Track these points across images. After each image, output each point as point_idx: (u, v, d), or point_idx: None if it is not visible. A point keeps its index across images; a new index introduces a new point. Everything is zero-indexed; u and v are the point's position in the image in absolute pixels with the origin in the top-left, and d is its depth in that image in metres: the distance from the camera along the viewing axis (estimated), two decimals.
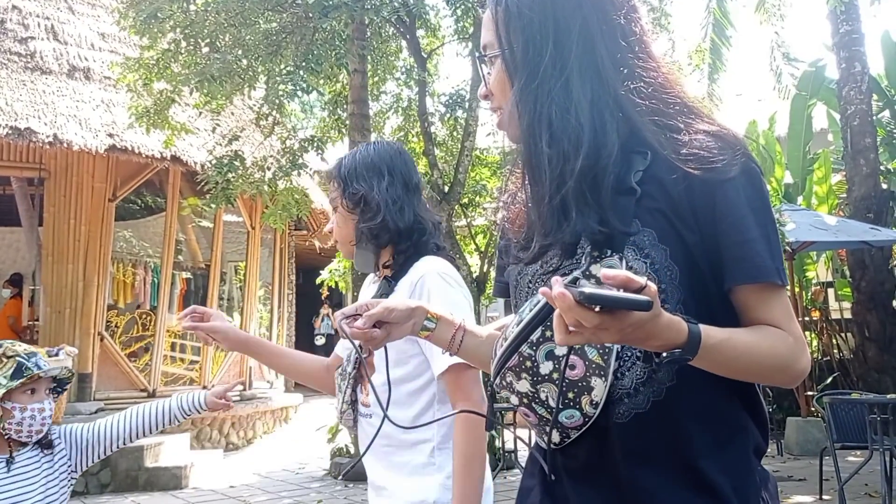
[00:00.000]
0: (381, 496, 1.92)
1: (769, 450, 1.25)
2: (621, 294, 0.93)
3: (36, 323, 9.31)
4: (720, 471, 1.14)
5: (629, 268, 1.13)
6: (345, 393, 1.94)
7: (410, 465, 1.86)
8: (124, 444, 2.35)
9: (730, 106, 12.81)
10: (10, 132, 7.97)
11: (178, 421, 2.47)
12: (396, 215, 1.90)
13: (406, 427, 1.76)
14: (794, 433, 8.59)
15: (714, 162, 1.14)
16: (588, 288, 0.92)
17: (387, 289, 1.91)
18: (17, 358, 2.17)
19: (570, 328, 0.94)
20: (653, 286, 0.95)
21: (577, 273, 1.13)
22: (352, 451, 7.93)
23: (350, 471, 7.44)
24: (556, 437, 1.19)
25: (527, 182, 1.22)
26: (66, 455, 2.27)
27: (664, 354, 1.03)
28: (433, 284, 1.83)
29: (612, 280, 0.94)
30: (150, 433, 2.42)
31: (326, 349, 10.71)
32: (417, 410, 1.86)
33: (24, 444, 2.19)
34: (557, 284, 0.94)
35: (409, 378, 1.84)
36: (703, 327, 1.04)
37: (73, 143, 8.15)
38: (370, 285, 2.08)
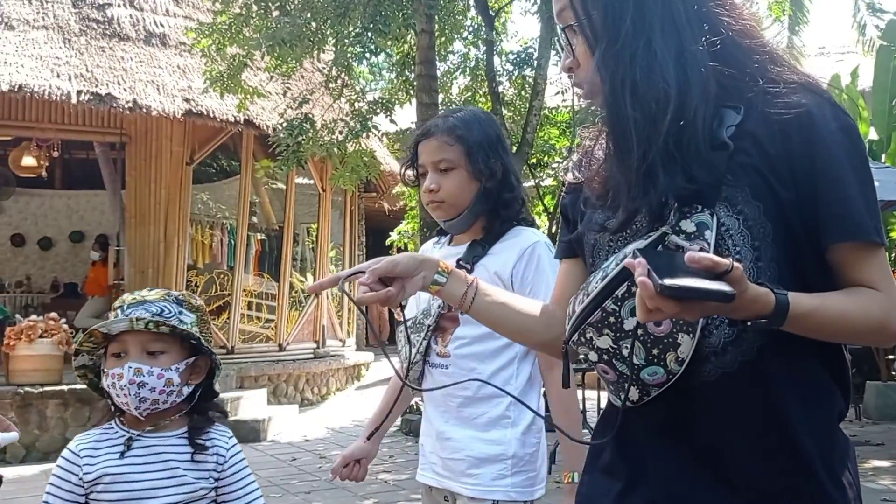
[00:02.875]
0: (445, 447, 1.98)
1: (847, 414, 1.24)
2: (703, 285, 0.94)
3: (121, 283, 9.66)
4: (807, 434, 1.13)
5: (720, 224, 1.11)
6: (420, 344, 1.97)
7: (486, 418, 1.92)
8: None
9: (812, 61, 12.28)
10: (91, 98, 8.24)
11: None
12: (523, 188, 2.03)
13: (501, 388, 1.72)
14: (873, 397, 8.37)
15: (813, 118, 1.12)
16: (669, 279, 0.93)
17: (480, 252, 1.98)
18: (116, 311, 1.74)
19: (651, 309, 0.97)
20: (738, 269, 0.95)
21: (665, 228, 1.12)
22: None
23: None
24: (634, 394, 1.16)
25: (612, 148, 1.20)
26: (211, 477, 1.72)
27: (749, 323, 1.04)
28: (543, 252, 1.93)
29: (697, 264, 0.95)
30: None
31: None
32: (499, 365, 1.93)
33: (162, 426, 1.71)
34: (641, 267, 0.95)
35: (496, 335, 1.84)
36: (791, 297, 1.03)
37: (152, 108, 8.39)
38: (432, 249, 2.12)
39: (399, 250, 12.21)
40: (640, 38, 1.15)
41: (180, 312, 1.71)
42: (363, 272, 1.26)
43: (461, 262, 1.95)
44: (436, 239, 2.15)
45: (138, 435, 1.69)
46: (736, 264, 0.96)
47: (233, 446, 1.76)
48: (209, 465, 1.69)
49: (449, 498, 2.00)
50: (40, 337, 7.32)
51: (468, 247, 2.00)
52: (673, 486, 1.16)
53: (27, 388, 7.20)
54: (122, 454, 1.66)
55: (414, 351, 1.96)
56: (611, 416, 1.26)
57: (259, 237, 11.62)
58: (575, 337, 1.19)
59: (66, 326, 7.65)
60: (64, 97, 8.16)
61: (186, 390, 1.71)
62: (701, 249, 1.07)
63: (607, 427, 1.27)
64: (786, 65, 1.20)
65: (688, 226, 1.12)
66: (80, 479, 1.65)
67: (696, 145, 1.12)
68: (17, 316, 8.19)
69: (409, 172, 2.07)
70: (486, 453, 1.90)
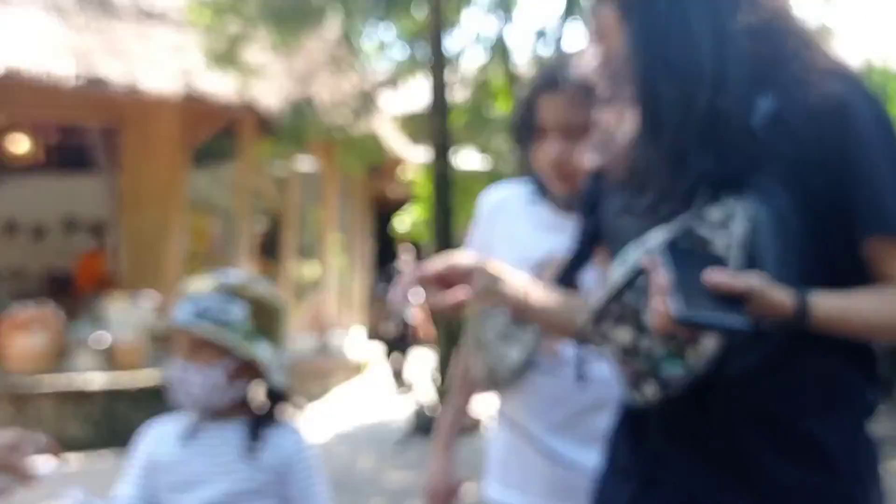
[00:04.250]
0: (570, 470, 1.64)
1: (877, 410, 1.19)
2: (719, 320, 0.97)
3: (116, 270, 9.49)
4: (831, 432, 1.12)
5: (748, 214, 1.09)
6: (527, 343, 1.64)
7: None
8: None
9: (845, 38, 12.01)
10: (86, 80, 7.97)
11: None
12: None
13: None
14: None
15: (847, 107, 1.10)
16: (686, 310, 0.96)
17: None
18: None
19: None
20: (756, 289, 0.99)
21: (690, 216, 1.11)
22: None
23: (430, 425, 7.39)
24: (652, 391, 1.14)
25: (641, 127, 1.16)
26: (273, 471, 1.70)
27: (767, 325, 1.04)
28: None
29: (715, 287, 0.98)
30: None
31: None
32: None
33: (224, 417, 1.72)
34: (660, 286, 0.99)
35: None
36: (814, 300, 1.04)
37: (149, 90, 8.15)
38: (519, 204, 1.76)
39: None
40: (676, 12, 1.12)
41: (228, 305, 1.67)
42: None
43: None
44: (531, 195, 1.76)
45: (202, 424, 1.71)
46: (753, 285, 0.99)
47: (301, 447, 1.74)
48: (268, 461, 1.69)
49: None
50: (35, 328, 7.20)
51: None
52: (690, 488, 1.16)
53: (21, 379, 7.04)
54: (183, 441, 1.71)
55: (507, 351, 1.67)
56: (627, 414, 1.26)
57: (260, 223, 11.39)
58: (593, 329, 1.17)
59: (60, 316, 7.45)
60: (58, 80, 7.88)
61: (241, 386, 1.70)
62: (728, 239, 1.08)
63: (622, 425, 1.28)
64: (820, 50, 1.17)
65: (714, 214, 1.10)
66: (143, 460, 1.73)
67: (730, 129, 1.11)
68: (13, 304, 7.98)
69: (520, 131, 1.69)
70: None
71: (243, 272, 1.80)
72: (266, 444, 1.68)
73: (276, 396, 1.74)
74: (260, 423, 1.70)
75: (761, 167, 1.11)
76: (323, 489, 1.74)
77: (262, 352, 1.67)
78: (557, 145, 1.60)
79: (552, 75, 1.64)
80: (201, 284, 1.72)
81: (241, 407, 1.72)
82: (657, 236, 1.10)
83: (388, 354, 10.01)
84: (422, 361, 10.82)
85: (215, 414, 1.70)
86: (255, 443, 1.67)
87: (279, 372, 1.70)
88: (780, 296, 1.03)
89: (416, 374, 9.69)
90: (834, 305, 1.06)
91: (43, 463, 1.55)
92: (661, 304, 0.98)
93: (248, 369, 1.68)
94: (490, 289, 1.23)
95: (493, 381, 1.71)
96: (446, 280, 1.21)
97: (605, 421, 1.54)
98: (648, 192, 1.16)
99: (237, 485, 1.66)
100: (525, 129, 1.67)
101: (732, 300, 0.98)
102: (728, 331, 0.99)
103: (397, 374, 9.87)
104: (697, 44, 1.11)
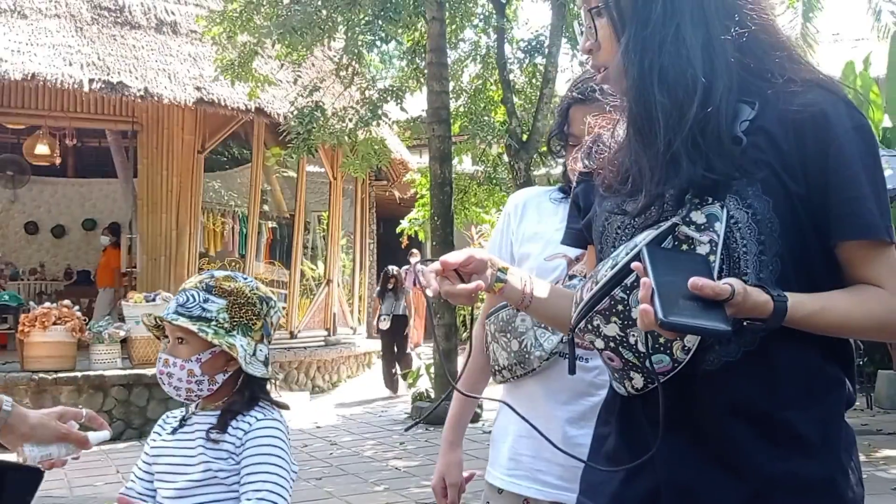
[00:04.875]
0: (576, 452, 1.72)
1: (858, 403, 1.21)
2: (700, 323, 1.00)
3: (134, 270, 9.72)
4: (810, 422, 1.14)
5: (730, 217, 1.12)
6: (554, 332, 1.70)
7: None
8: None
9: (825, 48, 12.17)
10: (103, 86, 8.29)
11: None
12: None
13: None
14: (885, 386, 8.31)
15: (827, 116, 1.13)
16: (670, 315, 0.99)
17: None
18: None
19: None
20: (738, 293, 1.02)
21: (676, 218, 1.14)
22: (432, 395, 8.10)
23: (430, 415, 7.59)
24: (639, 382, 1.18)
25: (635, 134, 1.19)
26: (231, 458, 1.66)
27: (745, 322, 1.07)
28: None
29: (699, 291, 1.01)
30: None
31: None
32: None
33: (208, 407, 1.72)
34: (645, 289, 1.02)
35: None
36: (792, 301, 1.06)
37: (164, 96, 8.42)
38: (548, 204, 1.84)
39: (410, 239, 12.19)
40: (669, 24, 1.15)
41: (206, 300, 1.69)
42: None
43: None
44: (558, 195, 1.83)
45: (192, 414, 1.72)
46: (736, 288, 1.01)
47: (259, 426, 1.67)
48: (228, 446, 1.65)
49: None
50: (54, 324, 7.37)
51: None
52: (677, 474, 1.17)
53: (41, 375, 7.26)
54: (174, 431, 1.72)
55: (535, 338, 1.72)
56: (613, 404, 1.28)
57: (270, 225, 11.65)
58: (582, 324, 1.19)
59: (79, 313, 7.70)
60: (76, 85, 8.19)
61: (221, 378, 1.69)
62: (711, 241, 1.11)
63: (610, 414, 1.29)
64: (803, 63, 1.21)
65: (698, 217, 1.13)
66: (147, 450, 1.74)
67: (718, 136, 1.13)
68: (31, 303, 8.26)
69: (557, 141, 1.78)
70: None
71: (228, 270, 1.89)
72: (230, 432, 1.65)
73: (252, 386, 1.71)
74: (229, 412, 1.68)
75: (745, 173, 1.13)
76: (273, 469, 1.63)
77: (238, 343, 1.67)
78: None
79: (583, 88, 1.70)
80: (189, 281, 1.76)
81: (223, 397, 1.71)
82: (645, 237, 1.13)
83: (383, 350, 10.20)
84: (419, 355, 11.07)
85: (202, 405, 1.72)
86: (219, 431, 1.65)
87: (257, 363, 1.69)
88: (760, 298, 1.05)
89: (414, 367, 9.92)
90: (811, 306, 1.08)
91: (94, 433, 1.65)
92: (648, 308, 1.00)
93: (227, 361, 1.69)
94: (500, 279, 1.29)
95: (522, 366, 1.72)
96: (461, 271, 1.25)
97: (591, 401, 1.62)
98: (644, 195, 1.18)
99: (204, 474, 1.64)
100: (560, 138, 1.77)
101: (714, 302, 1.01)
102: (709, 334, 1.02)
103: (390, 370, 10.03)
104: (690, 55, 1.14)
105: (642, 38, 1.16)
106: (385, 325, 9.87)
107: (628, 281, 1.12)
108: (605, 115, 1.31)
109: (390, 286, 9.94)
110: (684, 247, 1.13)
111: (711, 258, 1.10)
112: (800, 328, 1.09)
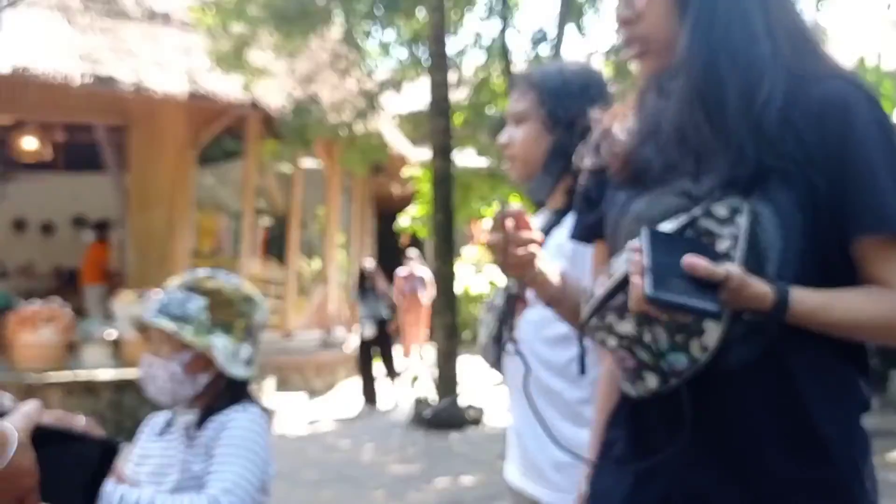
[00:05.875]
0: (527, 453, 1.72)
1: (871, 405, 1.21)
2: (689, 301, 0.97)
3: (120, 269, 9.55)
4: (829, 426, 1.12)
5: (753, 211, 1.09)
6: (491, 327, 1.73)
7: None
8: None
9: (836, 40, 12.02)
10: (93, 80, 8.05)
11: None
12: None
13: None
14: None
15: (849, 108, 1.12)
16: (658, 290, 0.97)
17: (554, 221, 1.72)
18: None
19: None
20: (734, 278, 1.01)
21: (697, 210, 1.11)
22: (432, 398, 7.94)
23: (431, 417, 7.46)
24: (653, 383, 1.14)
25: (694, 112, 1.16)
26: (208, 456, 1.64)
27: (742, 316, 1.07)
28: None
29: (693, 271, 0.99)
30: None
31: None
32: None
33: (193, 408, 1.72)
34: (636, 265, 1.01)
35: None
36: (795, 295, 1.06)
37: (155, 90, 8.21)
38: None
39: (410, 235, 12.02)
40: (735, 6, 1.15)
41: (187, 300, 1.67)
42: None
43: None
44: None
45: (175, 417, 1.73)
46: (732, 272, 1.00)
47: (235, 422, 1.63)
48: (205, 447, 1.63)
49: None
50: (43, 324, 7.22)
51: (547, 216, 1.75)
52: (689, 479, 1.15)
53: (30, 374, 7.11)
54: (160, 433, 1.73)
55: (486, 332, 1.74)
56: (624, 407, 1.25)
57: (265, 221, 11.45)
58: (594, 321, 1.17)
59: (68, 313, 7.53)
60: (65, 79, 7.96)
61: (204, 378, 1.68)
62: (732, 235, 1.09)
63: (619, 418, 1.27)
64: (827, 57, 1.20)
65: (720, 210, 1.11)
66: (133, 452, 1.74)
67: (769, 124, 1.11)
68: (21, 301, 8.05)
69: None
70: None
71: (213, 269, 1.81)
72: (208, 432, 1.63)
73: (234, 387, 1.70)
74: (208, 411, 1.66)
75: (769, 166, 1.12)
76: (241, 462, 1.58)
77: (218, 343, 1.65)
78: (503, 133, 1.79)
79: (518, 76, 1.83)
80: (171, 282, 1.74)
81: (207, 398, 1.69)
82: (664, 229, 1.10)
83: (363, 357, 8.98)
84: (418, 357, 10.91)
85: (185, 406, 1.70)
86: (195, 431, 1.64)
87: (237, 362, 1.67)
88: (761, 288, 1.04)
89: (414, 369, 9.72)
90: (815, 302, 1.07)
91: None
92: (638, 281, 0.99)
93: (209, 361, 1.66)
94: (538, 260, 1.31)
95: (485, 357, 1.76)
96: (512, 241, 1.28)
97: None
98: (712, 175, 1.13)
99: (183, 474, 1.63)
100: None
101: (711, 286, 0.99)
102: (698, 313, 0.99)
103: (367, 378, 8.93)
104: (756, 37, 1.13)
105: (709, 18, 1.15)
106: (370, 331, 8.75)
107: None
108: (611, 111, 1.30)
109: (369, 285, 8.85)
110: (706, 238, 1.10)
111: (732, 253, 1.07)
112: (804, 325, 1.08)
